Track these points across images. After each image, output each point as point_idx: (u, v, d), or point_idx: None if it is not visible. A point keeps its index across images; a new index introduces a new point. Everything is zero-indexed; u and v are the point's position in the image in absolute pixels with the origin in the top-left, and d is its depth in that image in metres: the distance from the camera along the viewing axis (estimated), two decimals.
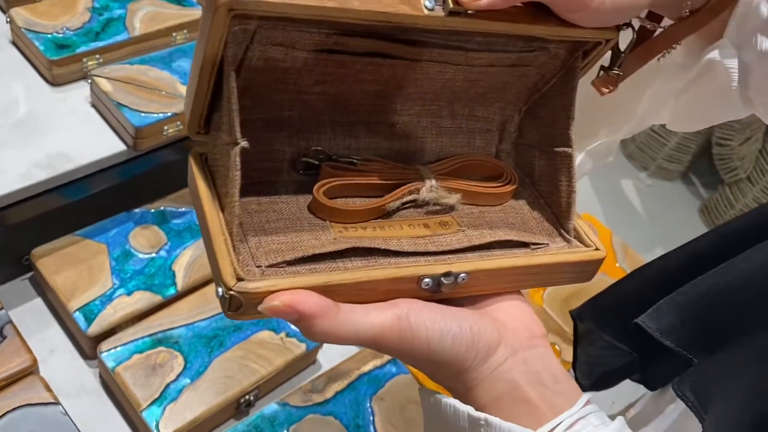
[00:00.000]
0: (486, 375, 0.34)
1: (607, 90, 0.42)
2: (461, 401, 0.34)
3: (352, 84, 0.37)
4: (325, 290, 0.32)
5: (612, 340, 0.52)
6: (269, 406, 0.79)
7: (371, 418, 0.81)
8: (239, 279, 0.31)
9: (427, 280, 0.34)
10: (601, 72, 0.42)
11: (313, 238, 0.35)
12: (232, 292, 0.31)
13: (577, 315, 0.55)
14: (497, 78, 0.40)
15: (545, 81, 0.41)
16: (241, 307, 0.31)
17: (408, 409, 0.83)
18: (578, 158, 0.57)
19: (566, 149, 0.40)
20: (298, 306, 0.30)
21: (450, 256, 0.36)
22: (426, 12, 0.32)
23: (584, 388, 0.40)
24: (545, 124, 0.42)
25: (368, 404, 0.82)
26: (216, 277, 0.32)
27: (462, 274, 0.35)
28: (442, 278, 0.34)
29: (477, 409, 0.33)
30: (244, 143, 0.32)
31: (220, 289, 0.32)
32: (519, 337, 0.35)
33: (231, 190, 0.32)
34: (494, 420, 0.32)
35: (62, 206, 0.89)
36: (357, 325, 0.31)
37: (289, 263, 0.33)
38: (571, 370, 0.56)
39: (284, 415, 0.78)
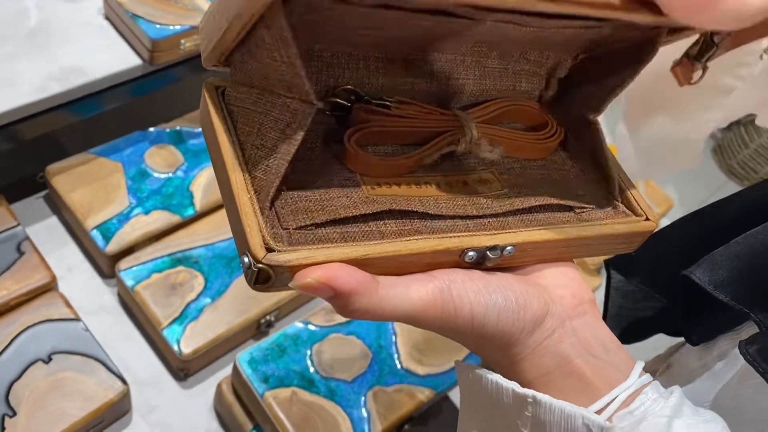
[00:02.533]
0: (532, 349, 0.31)
1: (689, 82, 0.38)
2: (505, 377, 0.32)
3: (400, 30, 0.33)
4: (362, 263, 0.29)
5: (650, 291, 0.50)
6: (292, 326, 0.79)
7: (393, 339, 0.81)
8: (269, 250, 0.28)
9: (471, 253, 0.31)
10: (685, 59, 0.38)
11: (344, 196, 0.31)
12: (261, 265, 0.27)
13: (612, 264, 0.52)
14: (566, 33, 0.36)
15: (616, 40, 0.37)
16: (269, 281, 0.28)
17: (430, 333, 0.83)
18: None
19: (593, 116, 0.37)
20: (335, 283, 0.27)
21: (492, 219, 0.33)
22: None
23: None
24: (592, 80, 0.38)
25: (390, 325, 0.82)
26: (240, 244, 0.29)
27: (508, 247, 0.32)
28: (488, 252, 0.31)
29: (523, 386, 0.31)
30: (319, 104, 0.28)
31: (246, 259, 0.28)
32: (566, 305, 0.33)
33: (284, 148, 0.28)
34: (543, 397, 0.30)
35: (75, 123, 0.87)
36: (397, 302, 0.29)
37: (318, 226, 0.30)
38: None
39: (307, 335, 0.78)
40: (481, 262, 0.32)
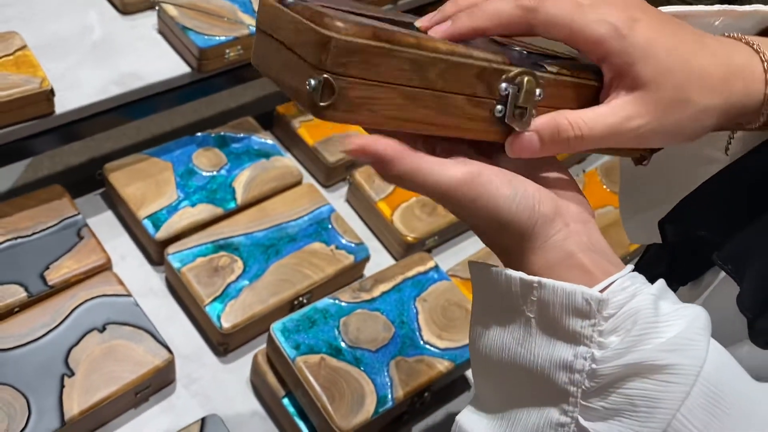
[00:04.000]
0: (541, 243, 0.35)
1: (642, 163, 0.43)
2: (512, 269, 0.35)
3: None
4: (417, 63, 0.32)
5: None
6: (322, 300, 0.85)
7: (415, 315, 0.86)
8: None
9: (504, 85, 0.34)
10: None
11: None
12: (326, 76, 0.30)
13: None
14: None
15: None
16: (333, 95, 0.31)
17: (450, 310, 0.88)
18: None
19: None
20: (373, 148, 0.32)
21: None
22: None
23: None
24: None
25: (412, 304, 0.88)
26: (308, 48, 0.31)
27: (537, 90, 0.35)
28: (519, 93, 0.35)
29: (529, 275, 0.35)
30: None
31: (312, 81, 0.31)
32: (572, 211, 0.36)
33: None
34: (547, 281, 0.33)
35: (131, 124, 0.97)
36: (434, 175, 0.33)
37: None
38: None
39: (335, 309, 0.84)
40: (510, 118, 0.35)
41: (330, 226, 0.99)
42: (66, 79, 0.89)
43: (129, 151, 1.02)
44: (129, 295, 0.86)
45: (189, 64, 0.95)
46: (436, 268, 0.93)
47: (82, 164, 1.01)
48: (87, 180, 1.01)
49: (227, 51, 0.95)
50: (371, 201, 1.05)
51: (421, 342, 0.84)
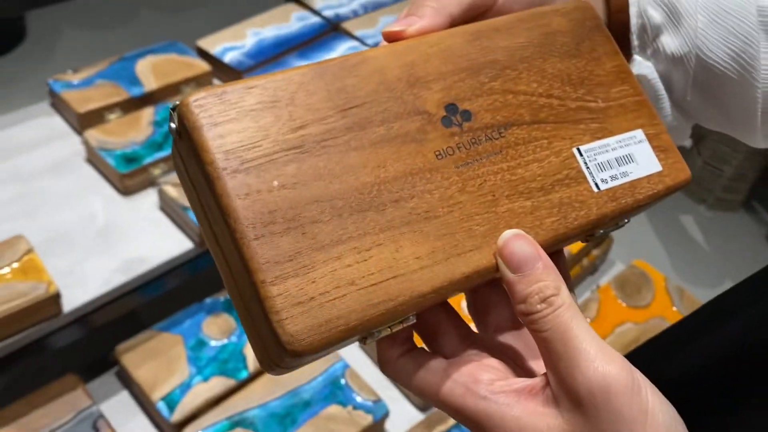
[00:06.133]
0: None
1: None
2: None
3: None
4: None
5: None
6: None
7: None
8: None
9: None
10: None
11: None
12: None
13: None
14: None
15: None
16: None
17: None
18: None
19: None
20: None
21: None
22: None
23: None
24: None
25: None
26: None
27: None
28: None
29: None
30: None
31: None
32: None
33: None
34: None
35: (140, 305, 0.98)
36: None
37: None
38: None
39: None
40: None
41: (345, 384, 0.98)
42: (72, 274, 0.90)
43: (140, 326, 1.02)
44: None
45: (192, 240, 0.97)
46: (457, 425, 0.91)
47: (93, 347, 1.01)
48: (99, 361, 1.01)
49: None
50: None
51: None
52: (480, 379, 0.31)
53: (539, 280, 0.30)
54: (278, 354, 0.28)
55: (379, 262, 0.29)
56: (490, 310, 0.35)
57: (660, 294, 1.17)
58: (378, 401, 0.96)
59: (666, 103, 0.44)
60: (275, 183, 0.29)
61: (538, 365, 0.34)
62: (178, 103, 0.29)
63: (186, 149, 0.29)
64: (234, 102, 0.29)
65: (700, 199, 2.13)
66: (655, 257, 1.83)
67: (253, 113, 0.29)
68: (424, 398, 0.33)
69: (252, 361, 0.99)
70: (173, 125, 0.30)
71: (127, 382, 1.00)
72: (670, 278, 1.23)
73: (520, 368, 0.34)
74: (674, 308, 1.15)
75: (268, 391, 0.96)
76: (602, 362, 0.29)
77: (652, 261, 1.28)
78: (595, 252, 1.24)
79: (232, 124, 0.29)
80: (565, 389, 0.29)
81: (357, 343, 1.09)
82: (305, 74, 0.31)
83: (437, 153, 0.32)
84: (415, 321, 0.31)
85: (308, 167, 0.29)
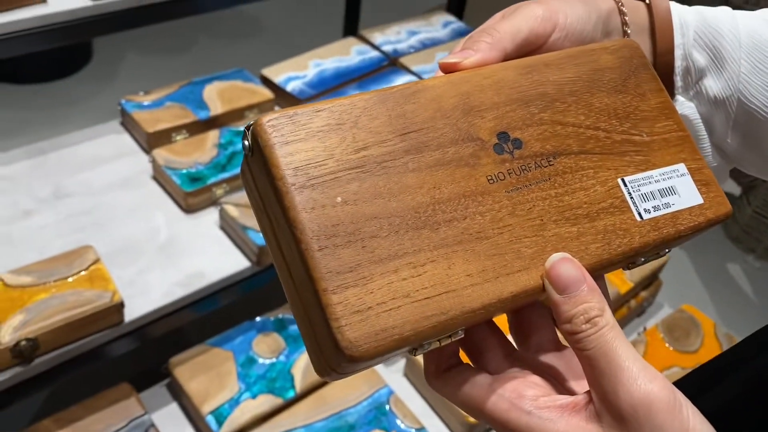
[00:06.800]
0: None
1: None
2: None
3: None
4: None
5: None
6: None
7: None
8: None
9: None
10: None
11: None
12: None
13: None
14: None
15: None
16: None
17: None
18: None
19: None
20: None
21: None
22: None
23: None
24: None
25: None
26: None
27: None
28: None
29: None
30: None
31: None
32: None
33: None
34: None
35: (195, 319, 1.01)
36: None
37: None
38: None
39: None
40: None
41: (389, 410, 0.99)
42: (135, 285, 0.94)
43: (193, 340, 1.05)
44: None
45: (249, 259, 1.00)
46: None
47: (148, 357, 1.04)
48: (152, 372, 1.04)
49: None
50: None
51: None
52: (524, 395, 0.32)
53: (584, 301, 0.31)
54: (336, 359, 0.30)
55: (433, 278, 0.31)
56: (532, 332, 0.36)
57: (709, 340, 1.16)
58: (421, 429, 0.97)
59: (707, 143, 0.45)
60: (338, 199, 0.31)
61: (579, 385, 0.35)
62: (252, 122, 0.32)
63: (257, 165, 0.32)
64: (303, 123, 0.32)
65: (749, 249, 2.10)
66: (701, 304, 1.80)
67: (320, 134, 0.32)
68: (469, 411, 0.34)
69: (299, 381, 1.01)
70: (246, 142, 0.32)
71: (177, 394, 1.03)
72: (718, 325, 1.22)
73: (561, 387, 0.35)
74: None
75: (314, 412, 0.97)
76: (645, 380, 0.30)
77: (699, 307, 1.27)
78: (644, 294, 1.23)
79: (301, 143, 0.31)
80: (608, 405, 0.30)
81: (403, 373, 1.10)
82: (368, 100, 0.33)
83: (489, 178, 0.34)
84: (462, 336, 0.33)
85: (369, 186, 0.31)
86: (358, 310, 0.29)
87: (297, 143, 0.31)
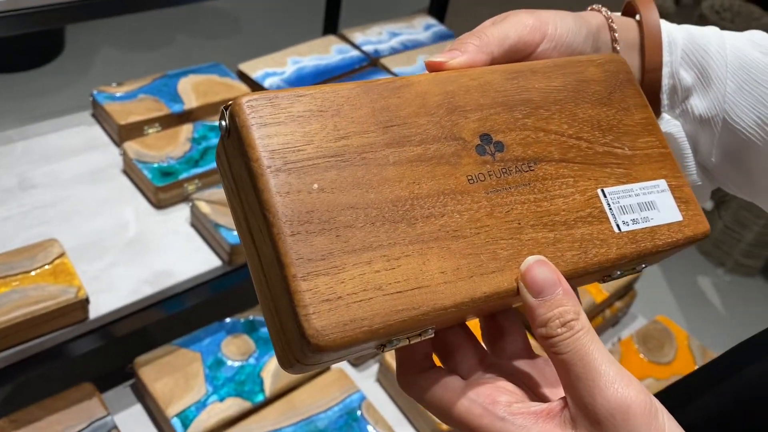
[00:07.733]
0: None
1: None
2: None
3: None
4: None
5: None
6: None
7: None
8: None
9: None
10: None
11: None
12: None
13: None
14: None
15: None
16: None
17: None
18: None
19: None
20: None
21: None
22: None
23: None
24: None
25: None
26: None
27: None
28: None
29: None
30: None
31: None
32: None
33: None
34: None
35: (162, 318, 0.98)
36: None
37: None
38: None
39: None
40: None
41: (360, 416, 0.96)
42: (101, 280, 0.90)
43: (159, 340, 1.02)
44: None
45: (220, 258, 0.97)
46: None
47: (111, 357, 1.01)
48: (116, 372, 1.01)
49: None
50: None
51: None
52: (498, 401, 0.32)
53: (560, 305, 0.31)
54: (301, 349, 0.29)
55: (407, 272, 0.30)
56: (505, 338, 0.36)
57: (683, 351, 1.16)
58: None
59: (691, 161, 0.45)
60: (315, 186, 0.30)
61: (552, 392, 0.35)
62: (231, 102, 0.30)
63: (233, 146, 0.31)
64: (284, 107, 0.31)
65: (719, 263, 2.12)
66: (673, 315, 1.81)
67: (301, 119, 0.31)
68: (438, 414, 0.33)
69: (269, 384, 0.98)
70: (224, 123, 0.31)
71: (142, 395, 0.99)
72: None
73: (533, 394, 0.34)
74: (696, 367, 1.13)
75: (283, 416, 0.95)
76: (622, 385, 0.29)
77: (671, 319, 1.27)
78: (618, 304, 1.23)
79: (279, 126, 0.30)
80: (584, 410, 0.30)
81: (375, 378, 1.08)
82: (352, 90, 0.33)
83: (469, 177, 0.33)
84: (433, 335, 0.32)
85: (347, 175, 0.31)
86: (327, 299, 0.28)
87: (276, 126, 0.30)
